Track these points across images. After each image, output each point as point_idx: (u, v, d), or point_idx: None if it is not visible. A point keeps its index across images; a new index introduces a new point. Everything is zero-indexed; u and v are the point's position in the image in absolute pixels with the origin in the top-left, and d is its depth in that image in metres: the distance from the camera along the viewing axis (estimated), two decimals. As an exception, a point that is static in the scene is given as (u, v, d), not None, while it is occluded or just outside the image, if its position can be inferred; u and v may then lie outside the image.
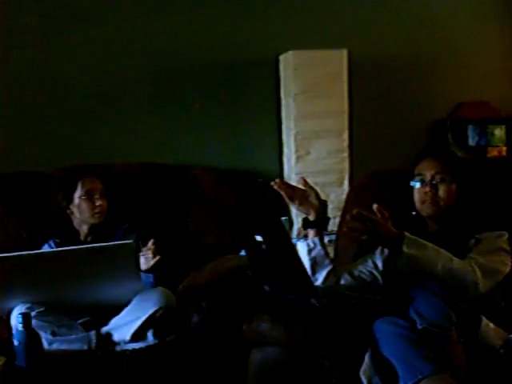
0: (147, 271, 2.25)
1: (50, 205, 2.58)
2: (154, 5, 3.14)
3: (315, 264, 1.96)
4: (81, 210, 2.42)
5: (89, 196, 2.41)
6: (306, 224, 1.96)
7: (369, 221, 1.75)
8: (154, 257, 2.23)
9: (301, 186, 1.97)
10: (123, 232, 2.45)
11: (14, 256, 2.07)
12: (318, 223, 1.95)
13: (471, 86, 3.64)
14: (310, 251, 1.96)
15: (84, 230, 2.46)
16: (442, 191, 1.99)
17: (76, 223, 2.46)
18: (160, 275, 2.30)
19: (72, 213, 2.45)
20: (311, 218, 1.95)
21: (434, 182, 1.99)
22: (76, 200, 2.42)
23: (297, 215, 3.16)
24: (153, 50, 3.14)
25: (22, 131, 2.99)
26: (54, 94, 3.03)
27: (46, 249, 2.39)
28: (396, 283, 1.91)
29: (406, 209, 2.07)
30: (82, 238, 2.46)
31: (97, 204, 2.41)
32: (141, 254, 2.23)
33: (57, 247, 2.38)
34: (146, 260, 2.24)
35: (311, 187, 1.96)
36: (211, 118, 3.25)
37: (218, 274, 2.36)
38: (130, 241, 2.12)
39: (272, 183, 1.93)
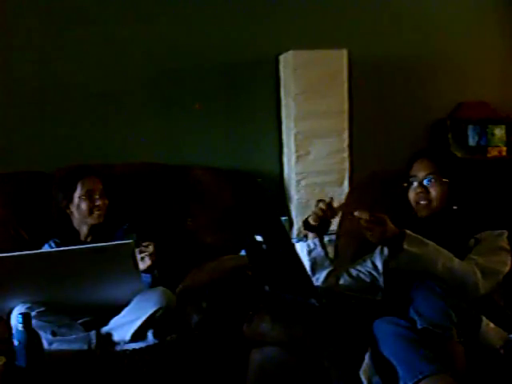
0: (145, 271, 2.25)
1: (50, 205, 2.58)
2: (155, 5, 3.14)
3: (315, 265, 1.97)
4: (80, 210, 2.42)
5: (88, 196, 2.41)
6: (307, 227, 1.97)
7: (374, 219, 1.75)
8: (151, 257, 2.23)
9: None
10: (123, 232, 2.45)
11: (13, 256, 2.07)
12: (319, 228, 1.96)
13: (471, 86, 3.64)
14: (310, 252, 1.97)
15: (84, 230, 2.46)
16: (433, 191, 2.00)
17: (76, 223, 2.46)
18: (158, 276, 2.30)
19: (72, 213, 2.45)
20: (312, 222, 1.96)
21: (424, 183, 2.01)
22: (76, 200, 2.42)
23: (297, 215, 3.16)
24: (153, 50, 3.14)
25: (22, 131, 2.99)
26: (54, 94, 3.03)
27: (46, 249, 2.39)
28: (396, 283, 1.91)
29: (406, 208, 2.08)
30: (82, 238, 2.46)
31: (96, 204, 2.41)
32: (137, 254, 2.23)
33: (57, 247, 2.38)
34: (142, 260, 2.24)
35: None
36: (211, 117, 3.25)
37: (218, 274, 2.36)
38: (130, 241, 2.12)
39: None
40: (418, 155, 2.09)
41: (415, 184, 2.03)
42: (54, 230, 2.49)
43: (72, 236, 2.45)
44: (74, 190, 2.43)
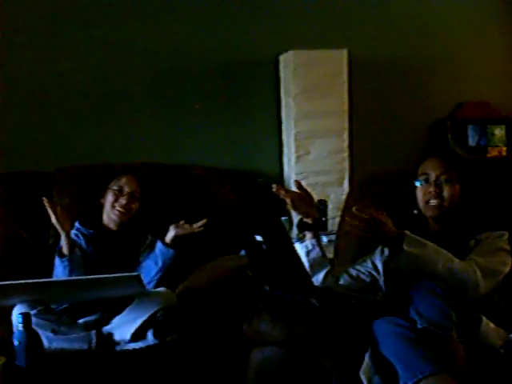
0: (170, 245, 2.37)
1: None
2: (155, 5, 3.14)
3: (314, 265, 1.97)
4: (106, 202, 2.44)
5: (118, 191, 2.43)
6: (304, 227, 1.97)
7: (371, 220, 1.75)
8: (182, 230, 2.37)
9: (295, 189, 1.98)
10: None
11: (17, 284, 2.06)
12: (316, 226, 1.96)
13: (471, 86, 3.64)
14: (308, 253, 1.97)
15: (112, 226, 2.45)
16: (446, 191, 1.97)
17: (104, 218, 2.46)
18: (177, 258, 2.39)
19: (103, 205, 2.46)
20: (309, 220, 1.96)
21: (438, 182, 1.98)
22: (107, 191, 2.45)
23: (297, 215, 3.16)
24: (153, 50, 3.14)
25: (21, 131, 2.99)
26: (54, 94, 3.03)
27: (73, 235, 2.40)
28: (396, 283, 1.91)
29: (406, 208, 2.07)
30: (107, 229, 2.45)
31: (120, 200, 2.41)
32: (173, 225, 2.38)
33: (91, 238, 2.40)
34: (178, 228, 2.37)
35: (306, 190, 1.98)
36: (211, 117, 3.25)
37: (218, 274, 2.36)
38: (136, 273, 2.14)
39: (273, 190, 1.94)
40: (430, 153, 2.07)
41: (428, 182, 2.00)
42: (85, 221, 2.48)
43: (100, 227, 2.46)
44: (110, 182, 2.46)
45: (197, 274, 2.42)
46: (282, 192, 1.95)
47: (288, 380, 1.82)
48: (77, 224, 2.45)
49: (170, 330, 2.12)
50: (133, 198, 2.44)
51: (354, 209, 1.77)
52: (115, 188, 2.44)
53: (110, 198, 2.43)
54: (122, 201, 2.41)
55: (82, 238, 2.41)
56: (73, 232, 2.42)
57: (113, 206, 2.41)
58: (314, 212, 1.98)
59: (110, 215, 2.43)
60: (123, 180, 2.45)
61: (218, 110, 3.27)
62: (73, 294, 2.20)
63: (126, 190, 2.43)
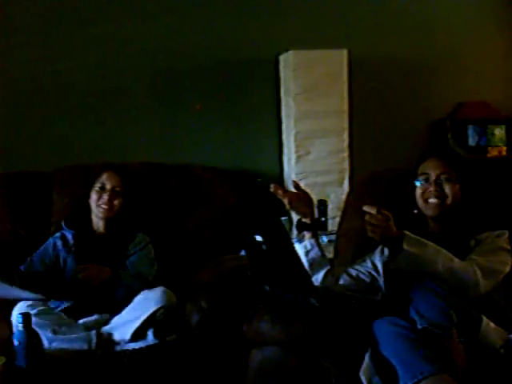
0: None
1: (49, 205, 2.58)
2: (153, 4, 3.14)
3: (313, 265, 1.97)
4: (91, 201, 2.45)
5: (101, 189, 2.44)
6: (302, 227, 1.97)
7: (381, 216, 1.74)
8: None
9: (293, 190, 1.98)
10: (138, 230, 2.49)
11: None
12: (314, 226, 1.96)
13: (471, 86, 3.64)
14: (307, 253, 1.97)
15: (100, 224, 2.46)
16: (447, 190, 1.98)
17: (93, 216, 2.47)
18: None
19: (89, 204, 2.47)
20: (307, 220, 1.96)
21: (439, 182, 1.98)
22: (92, 190, 2.45)
23: (296, 215, 3.15)
24: (153, 50, 3.14)
25: (21, 131, 2.99)
26: (53, 94, 3.04)
27: (56, 239, 2.41)
28: (396, 283, 1.91)
29: (406, 208, 2.07)
30: (97, 231, 2.46)
31: (103, 197, 2.41)
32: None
33: (73, 238, 2.40)
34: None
35: (304, 190, 1.98)
36: (211, 117, 3.25)
37: (218, 274, 2.36)
38: None
39: (271, 189, 1.94)
40: (430, 153, 2.07)
41: (428, 182, 2.00)
42: (71, 222, 2.48)
43: (87, 229, 2.46)
44: (96, 180, 2.47)
45: (197, 274, 2.42)
46: (280, 192, 1.95)
47: (288, 380, 1.82)
48: (62, 224, 2.46)
49: (169, 329, 2.12)
50: (114, 193, 2.44)
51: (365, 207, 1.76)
52: (98, 186, 2.45)
53: (94, 196, 2.44)
54: (105, 197, 2.42)
55: (61, 247, 2.41)
56: (55, 237, 2.43)
57: (98, 205, 2.42)
58: (313, 212, 1.98)
59: (97, 214, 2.44)
60: (104, 176, 2.46)
61: (218, 109, 3.27)
62: None
63: (108, 186, 2.44)
